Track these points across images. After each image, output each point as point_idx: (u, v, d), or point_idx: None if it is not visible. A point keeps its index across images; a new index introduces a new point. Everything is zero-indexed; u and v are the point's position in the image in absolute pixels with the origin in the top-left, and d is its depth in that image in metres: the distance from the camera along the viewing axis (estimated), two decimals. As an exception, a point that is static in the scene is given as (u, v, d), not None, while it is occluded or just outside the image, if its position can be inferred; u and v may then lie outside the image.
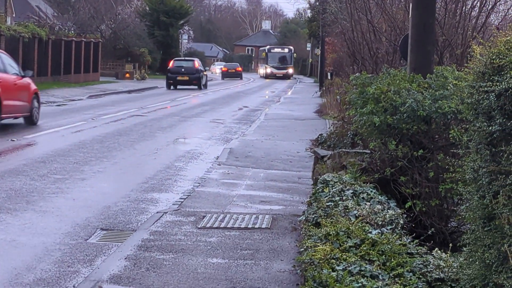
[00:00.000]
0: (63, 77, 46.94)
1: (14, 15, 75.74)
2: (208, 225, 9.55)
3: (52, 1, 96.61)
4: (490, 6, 16.81)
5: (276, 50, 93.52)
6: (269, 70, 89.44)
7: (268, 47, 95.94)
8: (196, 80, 49.77)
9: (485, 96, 5.17)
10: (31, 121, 21.56)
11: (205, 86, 51.64)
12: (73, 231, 9.26)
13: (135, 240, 8.75)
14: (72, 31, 61.50)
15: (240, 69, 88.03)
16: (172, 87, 49.22)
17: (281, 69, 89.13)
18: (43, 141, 18.11)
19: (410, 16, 10.75)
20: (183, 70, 49.75)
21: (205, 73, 53.79)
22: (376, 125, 9.47)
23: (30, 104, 21.43)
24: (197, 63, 51.46)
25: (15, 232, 9.11)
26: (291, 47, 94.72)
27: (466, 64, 6.02)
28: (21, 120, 21.33)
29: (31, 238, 8.89)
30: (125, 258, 7.89)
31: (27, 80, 21.94)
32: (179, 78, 49.23)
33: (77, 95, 37.28)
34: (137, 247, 8.39)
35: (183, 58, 60.37)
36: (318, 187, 8.29)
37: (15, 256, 8.13)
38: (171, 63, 51.42)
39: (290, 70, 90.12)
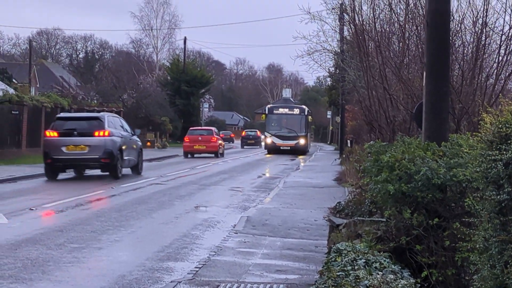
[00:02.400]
0: (84, 145, 47.28)
1: (38, 85, 76.88)
2: (222, 295, 9.47)
3: (75, 71, 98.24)
4: (508, 73, 16.86)
5: (281, 110, 63.93)
6: (269, 139, 60.82)
7: (269, 105, 67.75)
8: (258, 143, 79.93)
9: (493, 164, 5.16)
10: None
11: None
12: (86, 301, 9.21)
13: (148, 310, 8.69)
14: (95, 101, 62.22)
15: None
16: (244, 147, 77.78)
17: (287, 139, 59.93)
18: (62, 210, 18.15)
19: (424, 84, 10.80)
20: (250, 136, 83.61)
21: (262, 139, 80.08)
22: (391, 193, 9.44)
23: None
24: (259, 132, 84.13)
25: (28, 302, 9.09)
26: (304, 107, 65.95)
27: (475, 132, 6.02)
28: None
29: (45, 308, 8.86)
30: (137, 329, 7.83)
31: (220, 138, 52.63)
32: (248, 142, 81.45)
33: (98, 163, 37.42)
34: (150, 317, 8.33)
35: (250, 129, 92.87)
36: (330, 256, 8.24)
37: (27, 326, 8.09)
38: (243, 133, 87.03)
39: (302, 141, 60.38)
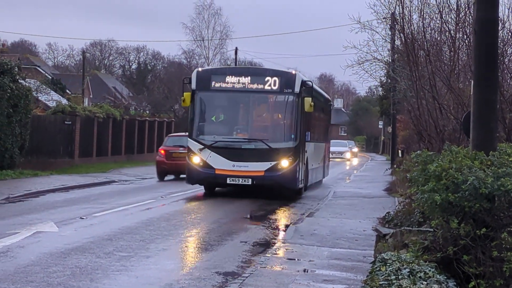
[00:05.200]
0: (136, 155, 47.73)
1: (91, 96, 77.78)
2: (267, 304, 9.46)
3: (128, 82, 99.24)
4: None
5: (231, 80, 25.05)
6: (197, 158, 24.48)
7: (200, 69, 27.27)
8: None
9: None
10: None
11: None
12: (133, 309, 9.27)
13: (193, 318, 8.71)
14: (147, 111, 62.76)
15: None
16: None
17: (244, 157, 24.29)
18: (111, 219, 18.33)
19: (471, 93, 10.71)
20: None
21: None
22: (438, 203, 9.37)
23: None
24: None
25: (76, 309, 9.18)
26: (293, 73, 25.33)
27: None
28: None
29: (92, 315, 8.93)
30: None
31: None
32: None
33: (149, 173, 37.72)
34: (195, 325, 8.35)
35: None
36: (375, 266, 8.20)
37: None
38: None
39: (285, 162, 24.21)
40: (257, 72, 26.38)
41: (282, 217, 20.64)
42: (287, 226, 17.94)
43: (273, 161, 24.15)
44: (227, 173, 24.20)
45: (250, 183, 24.18)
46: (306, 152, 26.62)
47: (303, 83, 25.16)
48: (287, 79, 24.91)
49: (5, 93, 30.02)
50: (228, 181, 24.33)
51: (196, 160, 24.60)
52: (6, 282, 10.45)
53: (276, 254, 13.75)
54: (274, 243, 15.14)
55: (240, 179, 24.23)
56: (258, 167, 24.15)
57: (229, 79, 25.09)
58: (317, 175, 31.99)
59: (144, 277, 11.32)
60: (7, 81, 30.33)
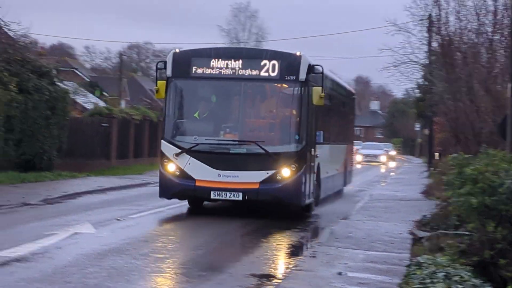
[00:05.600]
0: (172, 157, 47.87)
1: (128, 98, 78.28)
2: (302, 307, 9.46)
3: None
4: None
5: (217, 65, 19.39)
6: (172, 166, 19.13)
7: (177, 50, 19.69)
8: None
9: None
10: None
11: None
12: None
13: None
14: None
15: None
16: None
17: (234, 164, 18.88)
18: (147, 221, 18.44)
19: (509, 95, 10.63)
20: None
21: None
22: (474, 206, 9.32)
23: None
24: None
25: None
26: (298, 55, 19.26)
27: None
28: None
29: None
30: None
31: None
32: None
33: (185, 175, 37.87)
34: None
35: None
36: (410, 269, 8.17)
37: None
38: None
39: (286, 171, 18.75)
40: (251, 54, 20.20)
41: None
42: (322, 229, 17.94)
43: (271, 170, 18.66)
44: (210, 185, 18.80)
45: (240, 198, 18.78)
46: (318, 157, 20.99)
47: (311, 68, 19.40)
48: (289, 63, 19.22)
49: (44, 95, 30.34)
50: (212, 196, 18.90)
51: (171, 168, 19.08)
52: (44, 282, 10.57)
53: (311, 256, 13.73)
54: (310, 246, 15.13)
55: (228, 193, 18.83)
56: (251, 178, 18.75)
57: (215, 63, 19.37)
58: (335, 184, 26.23)
59: (179, 279, 11.38)
60: (45, 83, 30.66)
